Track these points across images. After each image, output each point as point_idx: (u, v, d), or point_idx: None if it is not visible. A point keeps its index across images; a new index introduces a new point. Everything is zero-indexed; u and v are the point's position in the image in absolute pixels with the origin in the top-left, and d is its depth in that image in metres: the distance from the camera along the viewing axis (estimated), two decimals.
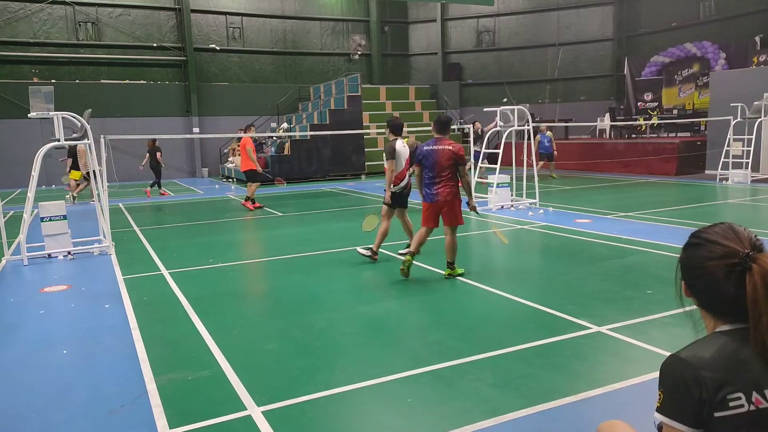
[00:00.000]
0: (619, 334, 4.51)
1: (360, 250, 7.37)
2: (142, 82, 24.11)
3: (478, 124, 16.15)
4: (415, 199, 7.30)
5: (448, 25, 28.23)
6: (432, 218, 6.52)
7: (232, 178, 21.47)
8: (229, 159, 22.84)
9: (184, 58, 24.44)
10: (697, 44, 22.35)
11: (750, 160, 15.15)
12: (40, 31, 22.36)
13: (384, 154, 7.23)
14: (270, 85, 26.16)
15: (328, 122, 21.07)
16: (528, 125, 11.95)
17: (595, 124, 22.07)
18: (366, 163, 21.81)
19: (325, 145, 20.80)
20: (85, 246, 8.78)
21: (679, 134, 20.63)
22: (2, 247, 8.52)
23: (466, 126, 17.69)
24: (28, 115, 8.57)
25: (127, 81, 23.81)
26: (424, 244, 6.67)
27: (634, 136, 21.66)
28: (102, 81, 23.40)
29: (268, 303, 5.95)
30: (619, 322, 4.77)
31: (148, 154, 17.36)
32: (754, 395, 1.40)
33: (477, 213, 7.26)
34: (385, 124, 7.60)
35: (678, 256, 1.62)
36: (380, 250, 7.41)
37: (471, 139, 14.88)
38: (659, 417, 1.47)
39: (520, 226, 9.71)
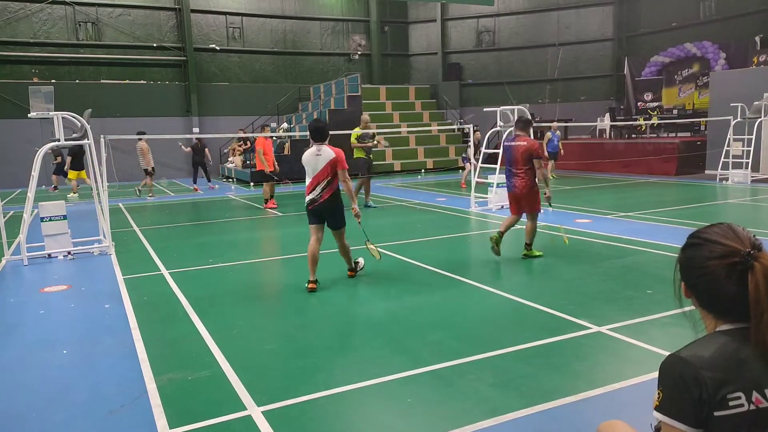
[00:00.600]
0: (619, 334, 4.51)
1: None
2: (142, 82, 24.11)
3: (478, 134, 16.19)
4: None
5: (448, 25, 28.23)
6: (512, 205, 7.34)
7: (232, 178, 21.46)
8: (229, 159, 22.85)
9: (184, 58, 24.45)
10: (697, 44, 22.36)
11: (750, 160, 15.15)
12: (40, 31, 22.36)
13: None
14: (270, 85, 26.17)
15: (328, 122, 21.03)
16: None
17: (595, 124, 22.08)
18: None
19: None
20: (85, 246, 8.78)
21: (679, 134, 20.63)
22: (2, 247, 8.52)
23: (465, 126, 17.70)
24: (28, 115, 8.57)
25: (127, 81, 23.82)
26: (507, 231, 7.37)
27: (634, 136, 21.67)
28: (102, 81, 23.41)
29: (268, 303, 5.95)
30: (619, 322, 4.77)
31: (191, 148, 18.74)
32: (754, 395, 1.40)
33: (550, 205, 7.33)
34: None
35: (677, 256, 1.62)
36: (380, 250, 7.36)
37: (471, 145, 14.91)
38: (658, 416, 1.47)
39: (520, 227, 9.70)
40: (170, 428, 3.29)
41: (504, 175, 7.61)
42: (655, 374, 1.51)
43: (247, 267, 7.68)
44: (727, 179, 15.27)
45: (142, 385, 3.88)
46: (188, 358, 4.35)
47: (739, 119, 15.29)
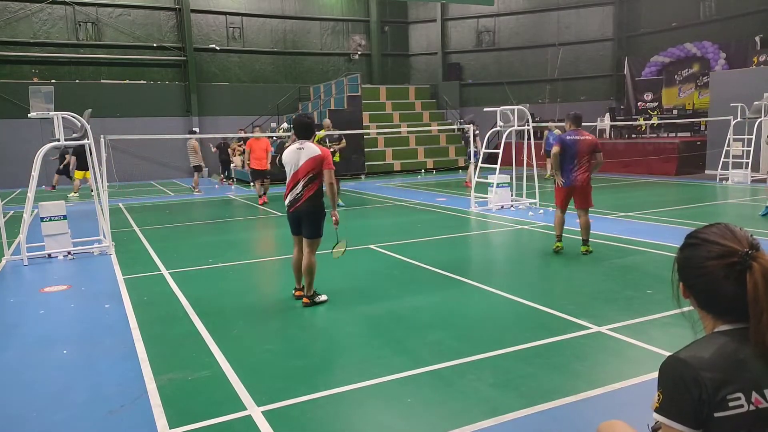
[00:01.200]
0: (619, 334, 4.51)
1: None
2: (142, 82, 24.11)
3: (478, 142, 16.36)
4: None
5: (448, 25, 28.23)
6: (564, 201, 7.32)
7: (233, 178, 21.46)
8: (230, 159, 22.83)
9: (184, 58, 24.45)
10: (697, 44, 22.36)
11: (750, 160, 15.15)
12: (40, 31, 22.36)
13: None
14: (270, 85, 26.16)
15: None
16: (528, 125, 11.95)
17: (595, 124, 22.06)
18: (366, 163, 21.81)
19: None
20: (85, 246, 8.77)
21: (679, 134, 20.63)
22: (2, 247, 8.52)
23: (465, 126, 17.69)
24: (28, 115, 8.57)
25: (127, 81, 23.81)
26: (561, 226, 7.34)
27: (634, 136, 21.67)
28: (102, 81, 23.40)
29: (268, 303, 5.94)
30: (619, 322, 4.77)
31: (216, 148, 20.63)
32: (754, 395, 1.40)
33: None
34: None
35: (675, 256, 1.62)
36: (383, 251, 7.37)
37: (471, 139, 14.93)
38: (658, 417, 1.47)
39: (520, 226, 9.72)
40: (170, 428, 3.29)
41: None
42: (655, 374, 1.51)
43: (247, 267, 7.68)
44: (727, 179, 15.27)
45: (142, 385, 3.88)
46: (188, 358, 4.35)
47: (739, 119, 15.29)
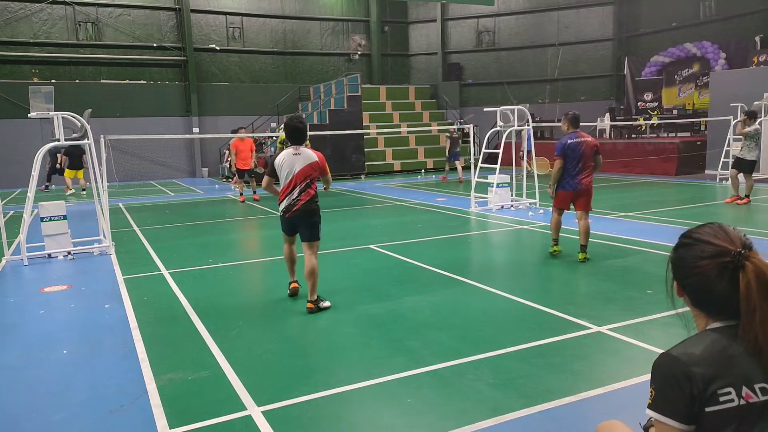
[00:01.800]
0: (619, 334, 4.51)
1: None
2: (142, 82, 24.10)
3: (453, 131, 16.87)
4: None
5: (448, 25, 28.23)
6: (565, 203, 7.14)
7: (235, 179, 21.49)
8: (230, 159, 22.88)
9: (184, 58, 24.44)
10: (697, 44, 22.36)
11: None
12: (40, 31, 22.35)
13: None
14: (270, 85, 26.16)
15: (328, 122, 21.08)
16: (528, 125, 11.96)
17: (595, 124, 22.06)
18: (366, 163, 21.82)
19: (324, 145, 20.77)
20: (85, 246, 8.78)
21: (679, 134, 20.63)
22: (2, 247, 8.52)
23: (465, 126, 17.72)
24: (28, 115, 8.57)
25: (127, 81, 23.81)
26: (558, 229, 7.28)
27: (634, 136, 21.66)
28: (102, 81, 23.40)
29: (268, 303, 5.94)
30: (619, 322, 4.77)
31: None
32: (744, 390, 1.41)
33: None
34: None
35: (669, 255, 1.64)
36: (385, 253, 7.36)
37: (471, 140, 14.97)
38: (651, 413, 1.49)
39: (520, 226, 9.72)
40: (170, 428, 3.29)
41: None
42: None
43: (247, 267, 7.69)
44: (727, 179, 15.26)
45: (142, 385, 3.88)
46: (188, 358, 4.35)
47: (739, 119, 15.27)
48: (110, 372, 4.15)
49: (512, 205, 11.80)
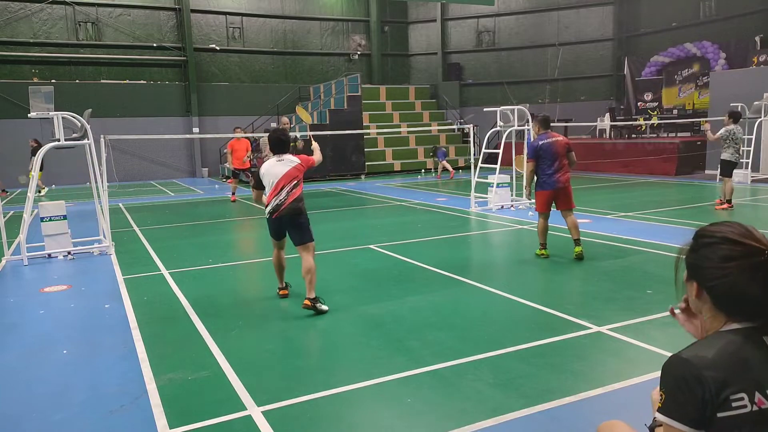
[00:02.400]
0: (619, 334, 4.51)
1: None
2: (142, 82, 24.11)
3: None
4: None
5: (448, 25, 28.23)
6: (548, 205, 7.16)
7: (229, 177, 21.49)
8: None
9: (184, 58, 24.45)
10: (697, 44, 22.36)
11: (750, 160, 15.14)
12: (40, 31, 22.36)
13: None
14: (270, 85, 26.16)
15: (328, 122, 21.08)
16: (528, 125, 11.95)
17: (595, 124, 22.07)
18: (366, 163, 21.82)
19: (324, 145, 20.76)
20: (85, 246, 8.77)
21: (679, 134, 20.63)
22: (2, 247, 8.52)
23: (465, 126, 17.75)
24: (28, 115, 8.57)
25: (127, 81, 23.81)
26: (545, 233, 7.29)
27: (634, 136, 21.66)
28: (102, 81, 23.40)
29: (268, 303, 5.94)
30: (619, 322, 4.77)
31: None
32: (757, 395, 1.38)
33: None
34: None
35: (684, 257, 1.57)
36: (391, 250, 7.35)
37: (471, 139, 14.98)
38: (661, 418, 1.45)
39: (520, 226, 9.72)
40: (170, 428, 3.29)
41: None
42: (655, 374, 1.50)
43: (247, 267, 7.69)
44: None
45: (142, 385, 3.88)
46: (188, 358, 4.35)
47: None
48: (110, 372, 4.15)
49: (512, 205, 11.80)
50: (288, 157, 5.54)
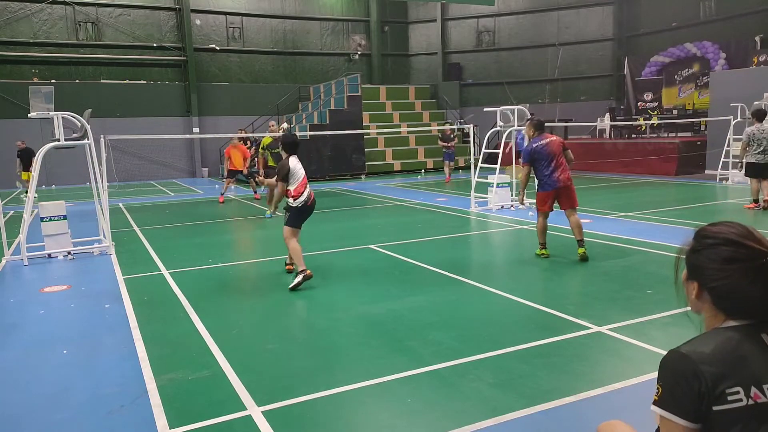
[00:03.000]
0: (619, 334, 4.51)
1: (291, 285, 6.11)
2: (142, 82, 24.11)
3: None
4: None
5: (448, 25, 28.23)
6: (548, 205, 7.15)
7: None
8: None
9: (184, 58, 24.45)
10: (697, 44, 22.35)
11: None
12: (40, 31, 22.36)
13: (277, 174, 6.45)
14: (270, 85, 26.16)
15: (328, 122, 21.09)
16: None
17: (595, 124, 22.06)
18: (366, 163, 21.82)
19: (325, 145, 20.80)
20: (85, 246, 8.77)
21: (679, 134, 20.62)
22: (2, 247, 8.52)
23: (465, 126, 17.77)
24: (28, 115, 8.57)
25: (127, 81, 23.82)
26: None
27: (634, 136, 21.66)
28: (102, 81, 23.40)
29: (268, 303, 5.94)
30: (619, 322, 4.77)
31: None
32: (753, 390, 1.40)
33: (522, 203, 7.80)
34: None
35: (684, 257, 1.58)
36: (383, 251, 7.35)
37: (471, 139, 14.98)
38: (657, 410, 1.47)
39: (520, 226, 9.72)
40: (170, 428, 3.29)
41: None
42: (655, 374, 1.51)
43: (247, 267, 7.69)
44: (727, 179, 15.26)
45: (142, 385, 3.88)
46: (188, 358, 4.35)
47: (739, 119, 15.27)
48: (110, 372, 4.14)
49: (512, 205, 11.80)
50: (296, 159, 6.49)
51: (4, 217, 9.52)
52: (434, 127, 23.69)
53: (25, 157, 17.46)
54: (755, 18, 20.70)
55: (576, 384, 3.65)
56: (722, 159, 15.58)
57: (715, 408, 1.39)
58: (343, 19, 27.57)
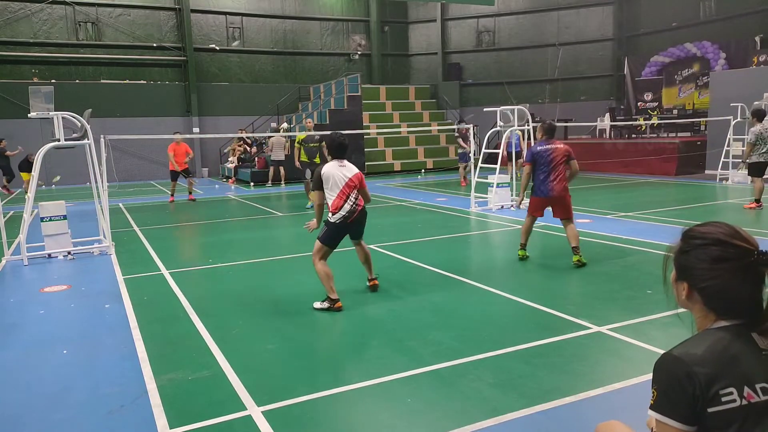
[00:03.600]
0: (619, 334, 4.51)
1: (316, 305, 5.50)
2: (142, 82, 24.11)
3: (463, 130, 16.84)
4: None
5: (448, 25, 28.23)
6: (540, 209, 7.09)
7: (233, 178, 21.48)
8: (229, 159, 22.87)
9: (184, 58, 24.44)
10: (697, 44, 22.35)
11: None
12: (40, 31, 22.36)
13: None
14: (270, 85, 26.16)
15: (328, 122, 21.07)
16: (528, 125, 11.96)
17: (595, 124, 22.06)
18: (366, 163, 21.81)
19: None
20: (85, 246, 8.77)
21: (679, 134, 20.62)
22: (2, 247, 8.52)
23: (465, 126, 17.75)
24: (28, 115, 8.57)
25: (127, 81, 23.81)
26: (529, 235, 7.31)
27: (634, 136, 21.66)
28: (102, 81, 23.40)
29: (269, 303, 5.94)
30: (619, 322, 4.77)
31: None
32: (746, 390, 1.41)
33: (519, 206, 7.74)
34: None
35: (672, 256, 1.60)
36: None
37: (471, 140, 14.99)
38: (653, 414, 1.47)
39: (520, 226, 9.70)
40: (170, 428, 3.29)
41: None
42: None
43: (247, 267, 7.68)
44: (727, 179, 15.26)
45: (142, 385, 3.88)
46: (188, 358, 4.35)
47: (739, 119, 15.27)
48: (110, 372, 4.15)
49: (512, 205, 11.80)
50: (349, 164, 5.66)
51: (4, 217, 9.52)
52: (434, 127, 23.71)
53: (24, 164, 18.03)
54: (755, 18, 20.70)
55: (576, 384, 3.65)
56: (722, 159, 15.58)
57: (709, 410, 1.40)
58: (343, 19, 27.57)
